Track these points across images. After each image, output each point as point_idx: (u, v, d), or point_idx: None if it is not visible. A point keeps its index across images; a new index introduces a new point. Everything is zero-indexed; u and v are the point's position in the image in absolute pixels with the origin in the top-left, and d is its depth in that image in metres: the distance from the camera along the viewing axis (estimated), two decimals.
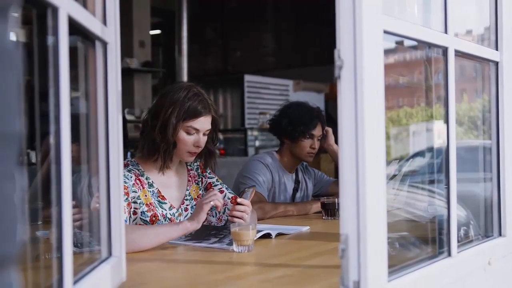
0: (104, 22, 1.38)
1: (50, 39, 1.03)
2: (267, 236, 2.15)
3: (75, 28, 1.13)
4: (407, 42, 1.57)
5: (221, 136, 7.98)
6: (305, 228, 2.40)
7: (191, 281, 1.61)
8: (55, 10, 1.01)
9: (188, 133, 2.24)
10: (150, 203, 2.24)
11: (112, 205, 1.41)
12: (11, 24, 0.61)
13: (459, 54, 1.61)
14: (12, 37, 0.62)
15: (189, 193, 2.41)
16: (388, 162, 1.31)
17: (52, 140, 1.02)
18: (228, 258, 1.84)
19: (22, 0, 0.69)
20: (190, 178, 2.44)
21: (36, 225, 1.44)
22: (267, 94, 8.41)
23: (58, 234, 1.02)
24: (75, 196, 1.09)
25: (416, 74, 2.09)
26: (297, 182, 3.21)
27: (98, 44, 1.36)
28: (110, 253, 1.40)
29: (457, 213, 1.60)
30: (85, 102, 1.42)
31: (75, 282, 1.11)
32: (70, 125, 1.04)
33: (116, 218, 1.41)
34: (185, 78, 8.70)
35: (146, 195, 2.24)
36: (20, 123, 0.62)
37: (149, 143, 2.25)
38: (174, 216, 2.31)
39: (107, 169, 1.40)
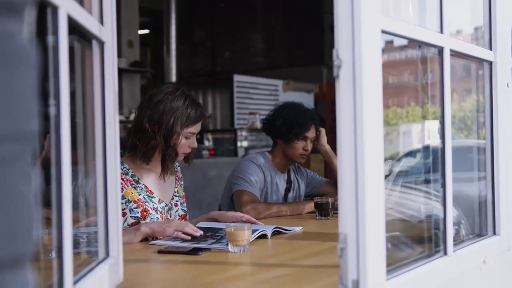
0: (101, 21, 1.37)
1: (49, 38, 1.02)
2: (262, 236, 2.15)
3: (72, 27, 1.12)
4: (397, 42, 1.58)
5: (210, 137, 7.98)
6: (299, 228, 2.41)
7: (188, 281, 1.61)
8: (55, 9, 1.00)
9: (186, 138, 2.35)
10: (138, 199, 2.30)
11: (109, 205, 1.40)
12: (27, 23, 0.61)
13: (454, 53, 1.62)
14: (28, 36, 0.62)
15: (177, 190, 2.51)
16: None
17: (52, 140, 1.02)
18: (224, 258, 1.84)
19: (36, 0, 0.69)
20: (177, 178, 2.54)
21: None
22: (256, 94, 8.40)
23: (58, 235, 1.01)
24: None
25: (406, 74, 2.10)
26: (289, 182, 3.21)
27: (95, 44, 1.35)
28: (107, 254, 1.39)
29: None
30: (81, 102, 1.41)
31: (75, 282, 1.10)
32: (70, 125, 1.04)
33: (113, 218, 1.41)
34: (173, 78, 8.69)
35: (132, 193, 2.29)
36: (36, 122, 0.62)
37: (150, 149, 2.32)
38: (164, 209, 2.38)
39: (104, 169, 1.40)
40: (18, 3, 0.59)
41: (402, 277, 1.34)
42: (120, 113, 7.43)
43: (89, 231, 1.43)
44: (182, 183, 2.59)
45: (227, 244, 1.94)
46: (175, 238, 2.09)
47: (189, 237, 2.07)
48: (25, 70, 0.60)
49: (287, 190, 3.19)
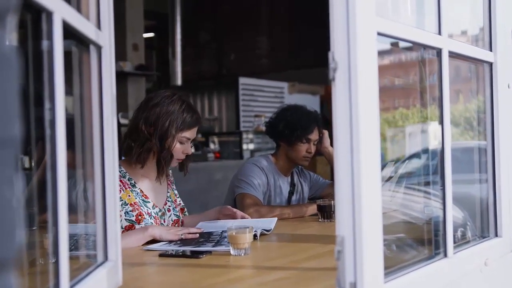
0: (99, 26, 1.37)
1: (44, 43, 1.02)
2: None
3: (69, 32, 1.13)
4: (402, 44, 1.58)
5: (216, 139, 7.98)
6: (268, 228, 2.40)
7: (188, 285, 1.61)
8: (49, 14, 1.01)
9: (181, 142, 2.37)
10: (134, 203, 2.32)
11: (107, 209, 1.40)
12: (10, 28, 0.61)
13: (453, 55, 1.61)
14: (11, 41, 0.62)
15: (170, 195, 2.52)
16: (384, 164, 1.31)
17: (47, 144, 1.02)
18: (224, 261, 1.84)
19: (19, 5, 0.70)
20: (169, 182, 2.55)
21: (32, 231, 1.43)
22: (262, 96, 8.40)
23: (54, 239, 1.02)
24: (70, 201, 1.09)
25: (411, 76, 2.09)
26: (292, 185, 3.20)
27: (92, 48, 1.36)
28: (106, 258, 1.40)
29: (454, 214, 1.60)
30: (79, 107, 1.42)
31: (72, 286, 1.11)
32: (65, 130, 1.04)
33: (112, 222, 1.41)
34: (179, 81, 8.69)
35: (129, 195, 2.32)
36: (19, 127, 0.62)
37: (145, 152, 2.33)
38: (157, 215, 2.39)
39: (102, 173, 1.40)
40: (1, 9, 0.60)
41: (400, 280, 1.34)
42: (125, 117, 7.42)
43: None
44: (174, 186, 2.60)
45: (227, 246, 1.94)
46: (170, 243, 2.10)
47: (197, 235, 2.19)
48: (8, 75, 0.60)
49: (291, 193, 3.19)
